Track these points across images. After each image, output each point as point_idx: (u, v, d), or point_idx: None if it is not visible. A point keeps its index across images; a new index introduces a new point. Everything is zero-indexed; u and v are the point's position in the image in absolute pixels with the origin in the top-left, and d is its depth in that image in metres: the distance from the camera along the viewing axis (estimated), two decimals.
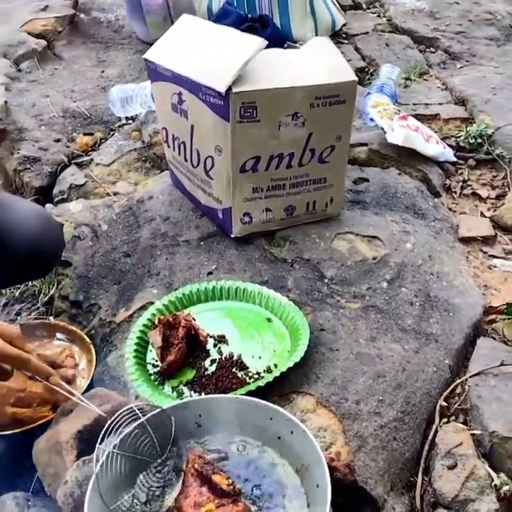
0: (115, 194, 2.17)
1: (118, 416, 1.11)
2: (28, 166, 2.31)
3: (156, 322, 1.44)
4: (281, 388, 1.33)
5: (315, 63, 1.61)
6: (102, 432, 1.09)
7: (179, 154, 1.83)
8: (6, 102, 2.45)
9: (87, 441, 1.27)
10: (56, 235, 1.66)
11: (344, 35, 3.16)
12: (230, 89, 1.48)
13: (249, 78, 1.51)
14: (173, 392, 1.36)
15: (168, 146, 1.91)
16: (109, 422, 1.10)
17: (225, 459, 1.15)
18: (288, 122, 1.58)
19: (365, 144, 2.15)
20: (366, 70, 2.85)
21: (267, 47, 1.55)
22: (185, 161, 1.80)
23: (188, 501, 1.03)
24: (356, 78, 1.62)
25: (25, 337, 1.38)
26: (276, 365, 1.38)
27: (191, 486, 1.05)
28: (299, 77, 1.57)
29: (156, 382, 1.39)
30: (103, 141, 2.46)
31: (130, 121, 2.52)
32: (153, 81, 1.85)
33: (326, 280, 1.61)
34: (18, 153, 2.34)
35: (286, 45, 2.31)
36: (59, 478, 1.27)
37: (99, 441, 1.09)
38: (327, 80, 1.58)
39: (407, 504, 1.25)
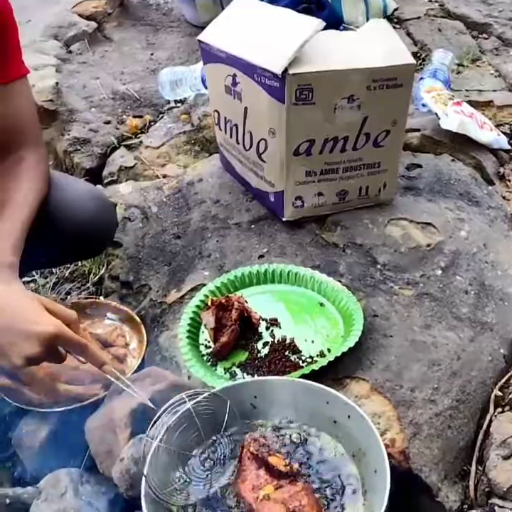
0: (164, 176, 2.17)
1: (169, 406, 1.11)
2: (79, 147, 2.33)
3: (209, 303, 1.44)
4: (335, 373, 1.32)
5: (372, 45, 1.59)
6: (152, 422, 1.10)
7: (231, 137, 1.83)
8: (56, 83, 2.46)
9: (141, 419, 1.27)
10: (110, 216, 1.67)
11: (396, 20, 3.11)
12: (286, 70, 1.46)
13: (306, 60, 1.49)
14: (225, 373, 1.36)
15: (220, 129, 1.90)
16: (159, 412, 1.10)
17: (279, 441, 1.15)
18: (343, 105, 1.56)
19: (418, 130, 2.12)
20: (418, 55, 2.80)
21: (324, 29, 1.53)
22: (237, 143, 1.79)
23: (246, 485, 1.03)
24: (414, 61, 1.59)
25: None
26: (329, 350, 1.37)
27: (248, 470, 1.05)
28: (356, 59, 1.55)
29: (209, 363, 1.39)
30: (152, 123, 2.47)
31: (179, 105, 2.52)
32: (206, 63, 1.84)
33: (379, 266, 1.59)
34: (69, 134, 2.36)
35: (342, 27, 2.28)
36: (112, 455, 1.28)
37: (148, 431, 1.10)
38: (385, 62, 1.56)
39: (460, 493, 1.23)
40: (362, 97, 1.56)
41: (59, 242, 1.50)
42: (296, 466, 1.06)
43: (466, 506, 1.22)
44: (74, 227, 1.53)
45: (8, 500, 1.39)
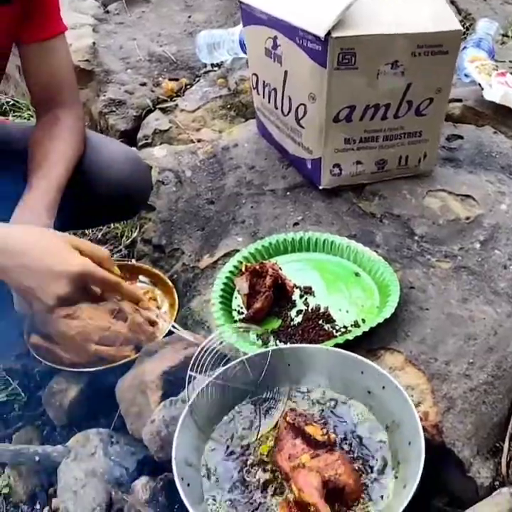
0: (199, 141, 2.15)
1: (208, 344, 1.11)
2: (114, 108, 2.32)
3: (243, 269, 1.43)
4: (369, 344, 1.30)
5: (418, 10, 1.54)
6: (193, 359, 1.09)
7: (269, 101, 1.79)
8: (93, 43, 2.45)
9: (172, 382, 1.27)
10: (145, 178, 1.66)
11: None
12: (329, 34, 1.43)
13: (350, 23, 1.45)
14: (258, 339, 1.34)
15: (258, 93, 1.87)
16: (197, 352, 1.10)
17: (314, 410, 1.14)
18: (387, 71, 1.52)
19: (460, 100, 2.06)
20: (462, 24, 2.72)
21: None
22: (276, 108, 1.76)
23: (283, 454, 1.02)
24: (461, 28, 1.54)
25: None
26: (363, 321, 1.35)
27: (285, 439, 1.04)
28: (401, 23, 1.50)
29: (241, 330, 1.38)
30: (188, 87, 2.45)
31: (216, 68, 2.49)
32: (246, 25, 1.80)
33: (417, 238, 1.56)
34: (104, 95, 2.35)
35: None
36: (142, 417, 1.28)
37: (190, 367, 1.09)
38: (431, 28, 1.51)
39: (492, 469, 1.21)
40: (406, 64, 1.52)
41: (93, 204, 1.50)
42: (333, 435, 1.05)
43: (497, 483, 1.20)
44: (109, 189, 1.52)
45: (37, 458, 1.41)
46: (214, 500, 1.03)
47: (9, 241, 1.10)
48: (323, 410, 1.14)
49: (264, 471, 1.05)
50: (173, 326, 1.15)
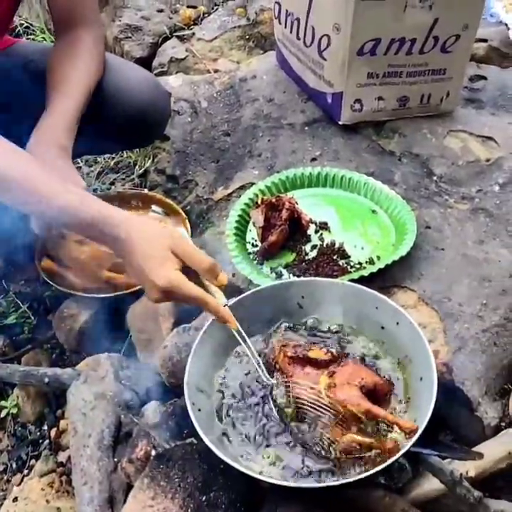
0: (216, 71, 2.11)
1: None
2: (130, 34, 2.27)
3: (259, 202, 1.41)
4: (383, 281, 1.30)
5: None
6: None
7: (291, 32, 1.75)
8: None
9: (184, 310, 1.28)
10: (165, 103, 1.63)
11: None
12: None
13: None
14: (271, 272, 1.34)
15: (279, 23, 1.82)
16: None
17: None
18: (415, 4, 1.47)
19: (485, 40, 2.01)
20: None
21: None
22: (298, 39, 1.71)
23: (302, 387, 1.02)
24: None
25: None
26: (378, 258, 1.34)
27: (295, 373, 1.04)
28: None
29: (255, 262, 1.37)
30: (206, 15, 2.38)
31: None
32: None
33: (435, 178, 1.54)
34: (120, 20, 2.29)
35: None
36: (153, 343, 1.29)
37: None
38: None
39: (499, 410, 1.22)
40: None
41: (110, 128, 1.47)
42: (332, 350, 1.07)
43: (503, 424, 1.21)
44: (127, 113, 1.49)
45: (46, 380, 1.42)
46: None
47: (120, 236, 1.09)
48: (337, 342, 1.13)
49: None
50: (239, 332, 1.11)
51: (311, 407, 1.00)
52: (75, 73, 1.39)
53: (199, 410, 1.02)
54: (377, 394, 1.01)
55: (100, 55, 1.47)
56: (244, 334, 1.09)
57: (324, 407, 0.99)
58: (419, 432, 0.93)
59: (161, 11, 2.35)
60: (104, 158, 2.08)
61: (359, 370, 1.02)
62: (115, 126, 1.48)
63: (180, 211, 1.65)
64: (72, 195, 1.10)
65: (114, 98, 1.48)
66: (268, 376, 1.07)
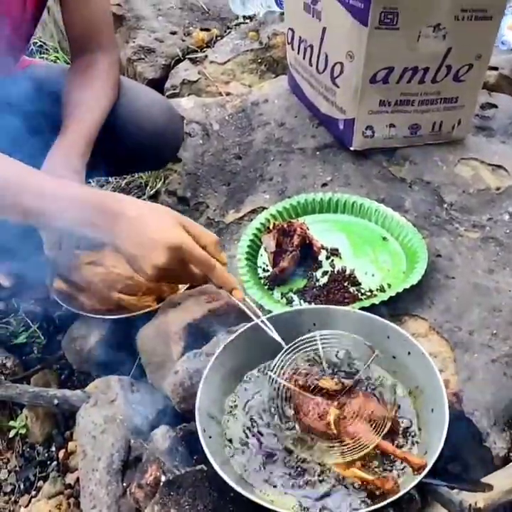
0: (228, 94, 2.12)
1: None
2: (143, 56, 2.29)
3: (271, 227, 1.42)
4: (394, 309, 1.30)
5: None
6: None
7: (304, 58, 1.76)
8: None
9: (195, 334, 1.28)
10: (178, 127, 1.65)
11: None
12: None
13: None
14: (282, 298, 1.35)
15: (292, 49, 1.84)
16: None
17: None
18: (428, 34, 1.49)
19: (496, 68, 2.02)
20: None
21: None
22: (310, 65, 1.73)
23: (311, 417, 1.02)
24: None
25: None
26: (389, 285, 1.35)
27: (305, 402, 1.04)
28: None
29: (266, 287, 1.38)
30: (219, 38, 2.40)
31: (248, 21, 2.45)
32: None
33: (446, 205, 1.55)
34: (134, 42, 2.31)
35: None
36: (164, 367, 1.29)
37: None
38: None
39: (507, 441, 1.22)
40: (448, 27, 1.49)
41: (123, 151, 1.49)
42: (343, 380, 1.07)
43: None
44: (140, 137, 1.51)
45: (56, 401, 1.42)
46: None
47: (125, 208, 1.11)
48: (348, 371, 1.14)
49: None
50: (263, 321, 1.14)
51: (319, 437, 1.00)
52: (91, 97, 1.41)
53: (210, 437, 1.02)
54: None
55: (115, 79, 1.49)
56: (251, 304, 1.14)
57: (332, 438, 0.99)
58: (430, 465, 0.93)
59: (174, 33, 2.37)
60: (115, 179, 2.10)
61: (369, 402, 1.02)
62: (128, 150, 1.49)
63: None
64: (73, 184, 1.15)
65: (127, 122, 1.49)
66: (277, 335, 1.10)
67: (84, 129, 1.36)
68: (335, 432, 0.99)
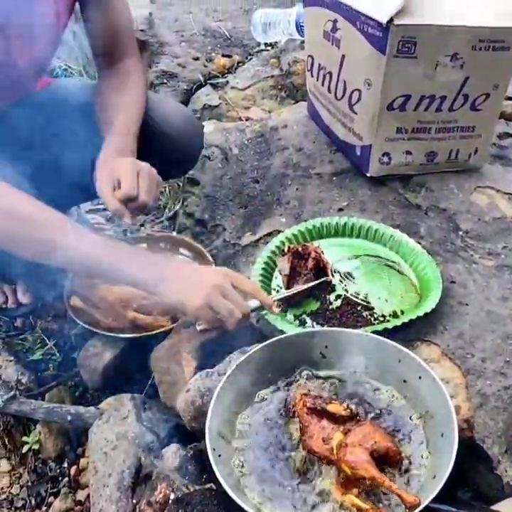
0: (248, 119, 2.15)
1: None
2: (165, 80, 2.34)
3: (286, 250, 1.43)
4: (406, 333, 1.30)
5: (483, 3, 1.51)
6: None
7: (322, 84, 1.79)
8: (150, 14, 2.45)
9: (208, 354, 1.29)
10: (198, 134, 1.70)
11: None
12: (391, 20, 1.41)
13: (413, 11, 1.44)
14: (295, 320, 1.35)
15: (311, 76, 1.86)
16: None
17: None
18: (446, 63, 1.51)
19: None
20: None
21: None
22: (329, 92, 1.75)
23: (315, 440, 1.02)
24: None
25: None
26: (402, 312, 1.35)
27: (311, 425, 1.04)
28: (464, 16, 1.48)
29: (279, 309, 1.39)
30: (240, 64, 2.45)
31: (269, 48, 2.49)
32: (306, 5, 1.79)
33: (461, 233, 1.55)
34: (157, 66, 2.36)
35: None
36: (176, 386, 1.30)
37: None
38: (495, 22, 1.49)
39: None
40: (465, 57, 1.50)
41: (145, 157, 1.52)
42: (353, 406, 1.07)
43: None
44: (163, 142, 1.56)
45: (69, 418, 1.44)
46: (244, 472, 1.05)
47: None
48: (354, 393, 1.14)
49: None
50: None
51: (321, 461, 1.01)
52: (130, 100, 1.48)
53: (219, 456, 1.03)
54: (389, 459, 1.01)
55: (145, 86, 1.56)
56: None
57: (332, 464, 1.00)
58: (437, 490, 0.93)
59: (196, 59, 2.41)
60: None
61: (374, 432, 1.01)
62: (151, 156, 1.52)
63: (208, 255, 1.67)
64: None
65: (151, 128, 1.53)
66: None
67: (132, 127, 1.44)
68: (336, 457, 0.99)
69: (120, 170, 1.35)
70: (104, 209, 1.97)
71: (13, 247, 1.20)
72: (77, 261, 1.21)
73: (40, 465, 1.54)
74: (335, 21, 1.62)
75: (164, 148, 1.54)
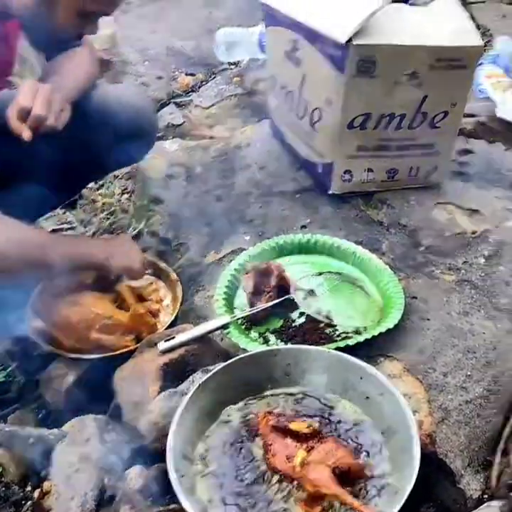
0: (211, 138, 2.16)
1: None
2: None
3: (249, 268, 1.44)
4: (369, 349, 1.31)
5: (440, 23, 1.55)
6: None
7: (284, 103, 1.81)
8: (114, 33, 2.46)
9: (171, 374, 1.28)
10: (151, 109, 1.76)
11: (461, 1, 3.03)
12: (350, 40, 1.44)
13: (371, 32, 1.47)
14: (259, 337, 1.36)
15: (274, 95, 1.88)
16: None
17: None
18: (404, 82, 1.54)
19: (473, 115, 2.08)
20: None
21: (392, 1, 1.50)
22: (290, 111, 1.77)
23: (279, 458, 1.02)
24: (482, 43, 1.56)
25: None
26: (365, 328, 1.36)
27: (275, 443, 1.04)
28: (422, 35, 1.52)
29: (243, 327, 1.39)
30: (204, 83, 2.46)
31: (232, 67, 2.50)
32: (267, 25, 1.82)
33: (422, 248, 1.58)
34: None
35: (410, 1, 2.21)
36: (140, 407, 1.29)
37: None
38: (452, 41, 1.53)
39: (482, 482, 1.22)
40: (424, 76, 1.53)
41: (102, 138, 1.51)
42: (316, 424, 1.07)
43: (486, 496, 1.21)
44: (117, 121, 1.56)
45: (31, 440, 1.41)
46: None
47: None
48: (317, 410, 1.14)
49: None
50: None
51: (285, 479, 1.01)
52: (76, 64, 1.52)
53: (182, 476, 1.02)
54: (352, 475, 1.01)
55: (96, 57, 1.61)
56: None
57: (295, 481, 1.00)
58: (399, 506, 0.93)
59: (160, 77, 2.42)
60: (99, 219, 2.11)
61: (337, 449, 1.01)
62: (105, 137, 1.51)
63: (172, 274, 1.67)
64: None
65: (103, 108, 1.54)
66: None
67: (71, 83, 1.46)
68: (299, 475, 0.99)
69: (20, 88, 1.35)
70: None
71: None
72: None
73: (3, 488, 1.50)
74: (295, 41, 1.65)
75: (119, 126, 1.55)
